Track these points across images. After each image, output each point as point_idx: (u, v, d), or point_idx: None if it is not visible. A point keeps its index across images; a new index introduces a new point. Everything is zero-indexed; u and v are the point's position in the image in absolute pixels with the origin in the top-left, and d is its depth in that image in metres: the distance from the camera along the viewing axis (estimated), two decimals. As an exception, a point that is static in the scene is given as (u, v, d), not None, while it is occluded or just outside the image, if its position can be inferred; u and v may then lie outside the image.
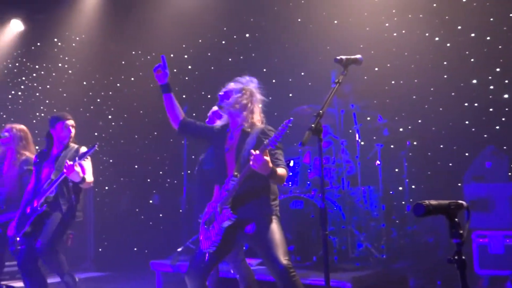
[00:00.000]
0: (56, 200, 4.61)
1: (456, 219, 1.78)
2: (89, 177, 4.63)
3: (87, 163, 4.65)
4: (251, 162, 3.15)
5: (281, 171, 3.34)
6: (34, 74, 8.50)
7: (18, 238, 4.57)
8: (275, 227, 3.38)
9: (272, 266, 3.29)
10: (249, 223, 3.42)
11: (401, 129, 6.61)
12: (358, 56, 3.26)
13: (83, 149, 4.72)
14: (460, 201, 1.84)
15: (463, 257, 1.71)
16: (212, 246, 3.44)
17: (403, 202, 5.90)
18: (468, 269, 5.12)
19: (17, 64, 8.41)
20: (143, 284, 6.00)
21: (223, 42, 8.29)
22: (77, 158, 4.41)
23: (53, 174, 4.62)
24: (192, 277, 3.53)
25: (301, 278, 4.68)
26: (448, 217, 1.81)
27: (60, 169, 4.51)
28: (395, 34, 7.01)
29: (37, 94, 8.61)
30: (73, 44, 8.64)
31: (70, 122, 4.88)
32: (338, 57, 3.18)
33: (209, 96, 8.27)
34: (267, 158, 3.14)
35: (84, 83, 8.88)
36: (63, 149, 4.84)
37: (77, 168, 4.39)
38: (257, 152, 3.13)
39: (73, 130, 4.89)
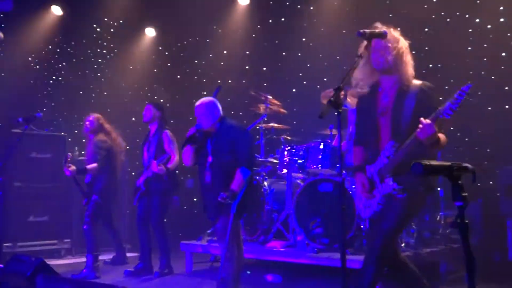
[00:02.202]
0: (154, 179, 5.78)
1: (460, 182, 1.71)
2: (172, 164, 5.76)
3: (171, 146, 5.84)
4: (418, 130, 2.92)
5: (443, 138, 3.09)
6: (74, 59, 8.70)
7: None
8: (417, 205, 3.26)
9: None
10: (403, 193, 3.17)
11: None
12: (383, 30, 3.17)
13: (166, 132, 5.89)
14: (465, 164, 1.76)
15: (466, 221, 1.64)
16: (374, 216, 3.29)
17: (438, 188, 5.73)
18: (502, 257, 4.94)
19: (58, 50, 8.62)
20: (174, 264, 6.09)
21: (259, 26, 8.28)
22: (157, 161, 5.54)
23: (148, 157, 5.92)
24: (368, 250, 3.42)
25: (329, 260, 4.68)
26: (450, 179, 1.73)
27: (153, 151, 5.85)
28: (433, 16, 6.80)
29: (77, 79, 8.80)
30: (111, 30, 8.80)
31: (147, 107, 6.06)
32: (361, 31, 3.09)
33: (243, 81, 8.30)
34: (436, 128, 2.91)
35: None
36: (153, 134, 6.01)
37: (160, 167, 5.53)
38: (428, 121, 2.88)
39: (149, 114, 6.00)
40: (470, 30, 6.57)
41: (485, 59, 6.37)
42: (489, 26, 6.41)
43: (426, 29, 6.81)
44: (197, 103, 4.53)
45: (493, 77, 6.36)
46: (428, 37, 6.74)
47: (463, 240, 1.62)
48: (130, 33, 8.81)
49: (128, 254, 6.84)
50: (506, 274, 4.88)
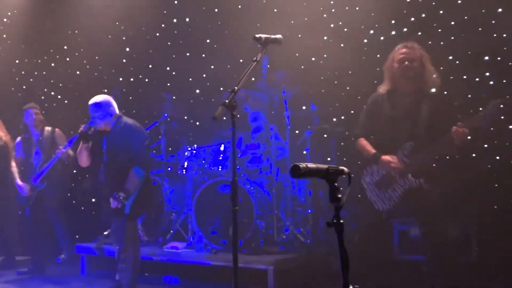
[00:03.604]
0: (50, 175, 5.85)
1: (336, 184, 1.82)
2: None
3: (64, 141, 5.94)
4: (455, 137, 3.42)
5: None
6: (-38, 50, 8.11)
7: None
8: None
9: None
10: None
11: (334, 119, 6.71)
12: (279, 35, 3.27)
13: (58, 131, 6.15)
14: (341, 167, 1.88)
15: (341, 221, 1.76)
16: (392, 206, 3.79)
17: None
18: (388, 253, 5.24)
19: None
20: (68, 267, 5.88)
21: (163, 25, 8.18)
22: (66, 144, 5.67)
23: (42, 156, 5.94)
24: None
25: (224, 262, 4.73)
26: (327, 181, 1.84)
27: (47, 151, 5.89)
28: (332, 25, 7.09)
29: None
30: (4, 19, 8.30)
31: (31, 110, 6.09)
32: (257, 35, 3.17)
33: (146, 80, 8.15)
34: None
35: (17, 61, 8.57)
36: (40, 134, 6.05)
37: (69, 152, 5.71)
38: (466, 130, 3.40)
39: (36, 116, 6.05)
40: (366, 40, 6.92)
41: (377, 68, 6.73)
42: (382, 38, 6.79)
43: (325, 37, 7.09)
44: (91, 101, 4.41)
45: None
46: (326, 46, 7.01)
47: (338, 239, 1.73)
48: (26, 24, 8.34)
49: (18, 258, 6.49)
50: (391, 270, 5.21)
